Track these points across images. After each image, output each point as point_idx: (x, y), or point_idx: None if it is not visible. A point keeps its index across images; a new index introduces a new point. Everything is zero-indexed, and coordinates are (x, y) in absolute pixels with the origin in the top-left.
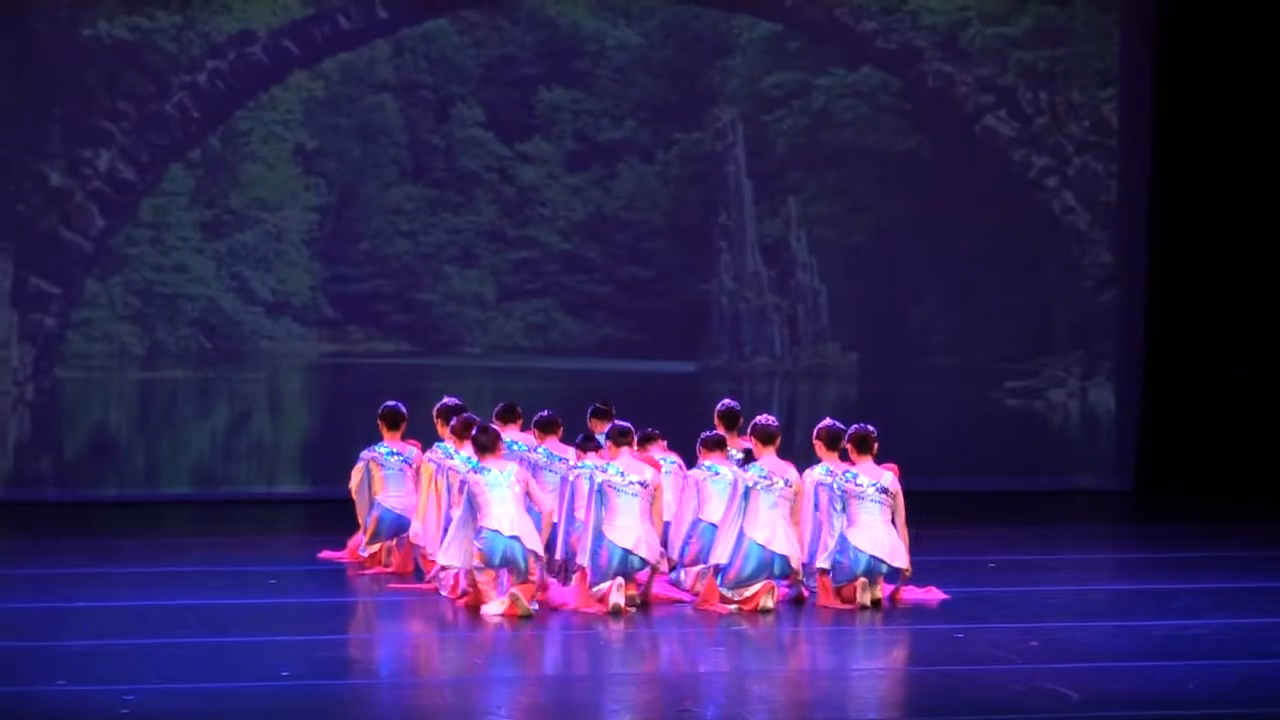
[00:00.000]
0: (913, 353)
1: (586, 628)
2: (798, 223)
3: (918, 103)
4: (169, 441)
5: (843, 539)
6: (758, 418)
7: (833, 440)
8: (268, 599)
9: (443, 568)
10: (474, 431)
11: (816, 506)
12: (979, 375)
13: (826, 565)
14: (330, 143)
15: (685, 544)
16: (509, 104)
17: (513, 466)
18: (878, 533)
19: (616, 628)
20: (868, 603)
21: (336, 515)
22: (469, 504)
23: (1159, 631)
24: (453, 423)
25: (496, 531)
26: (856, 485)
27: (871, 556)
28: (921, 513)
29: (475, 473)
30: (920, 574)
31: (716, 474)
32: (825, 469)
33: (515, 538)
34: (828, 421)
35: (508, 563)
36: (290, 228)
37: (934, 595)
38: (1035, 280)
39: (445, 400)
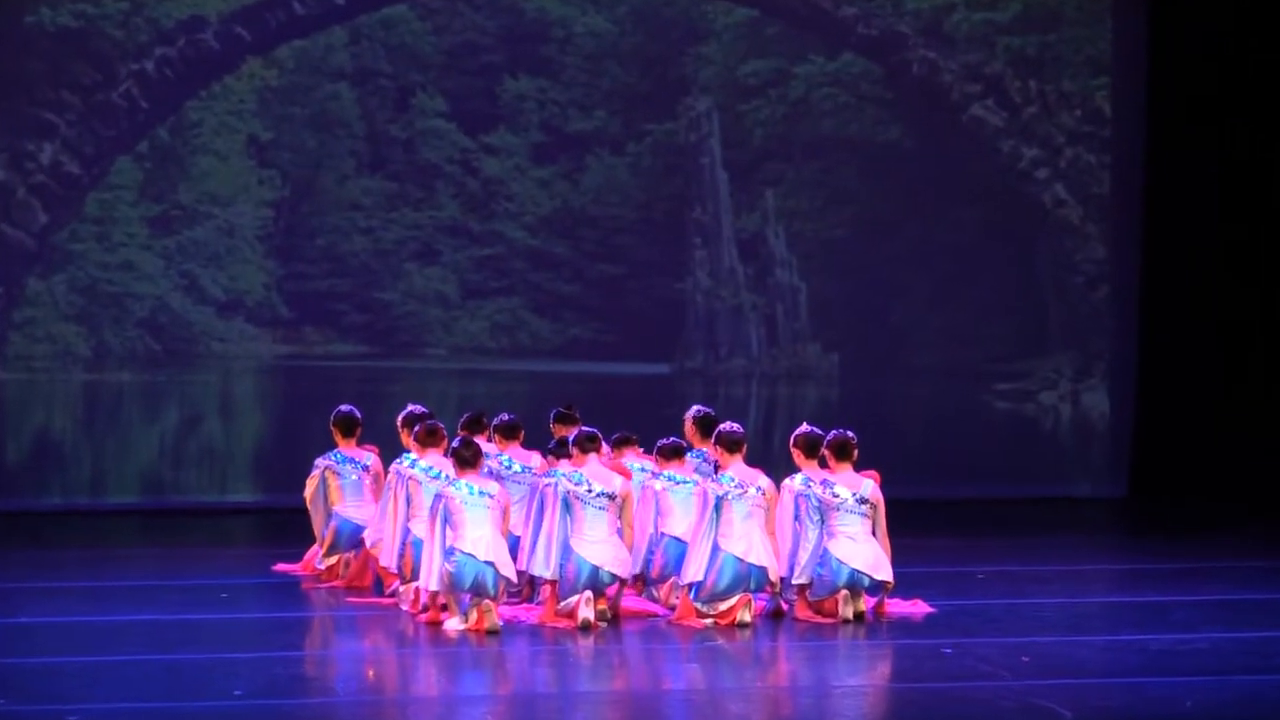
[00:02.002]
0: (896, 353)
1: (554, 643)
2: (776, 217)
3: (901, 91)
4: (115, 447)
5: (824, 552)
6: (722, 425)
7: (811, 447)
8: (220, 614)
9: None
10: (455, 444)
11: (796, 517)
12: (967, 377)
13: (805, 581)
14: (285, 134)
15: (649, 560)
16: (472, 93)
17: (494, 486)
18: (859, 545)
19: (586, 643)
20: (850, 616)
21: (291, 526)
22: (444, 521)
23: (1155, 646)
24: (415, 430)
25: (470, 556)
26: (835, 496)
27: (853, 569)
28: (906, 522)
29: (451, 486)
30: (905, 586)
31: (676, 483)
32: (804, 479)
33: (489, 563)
34: (805, 428)
35: (477, 588)
36: (243, 223)
37: (920, 608)
38: (1025, 276)
39: (410, 408)
